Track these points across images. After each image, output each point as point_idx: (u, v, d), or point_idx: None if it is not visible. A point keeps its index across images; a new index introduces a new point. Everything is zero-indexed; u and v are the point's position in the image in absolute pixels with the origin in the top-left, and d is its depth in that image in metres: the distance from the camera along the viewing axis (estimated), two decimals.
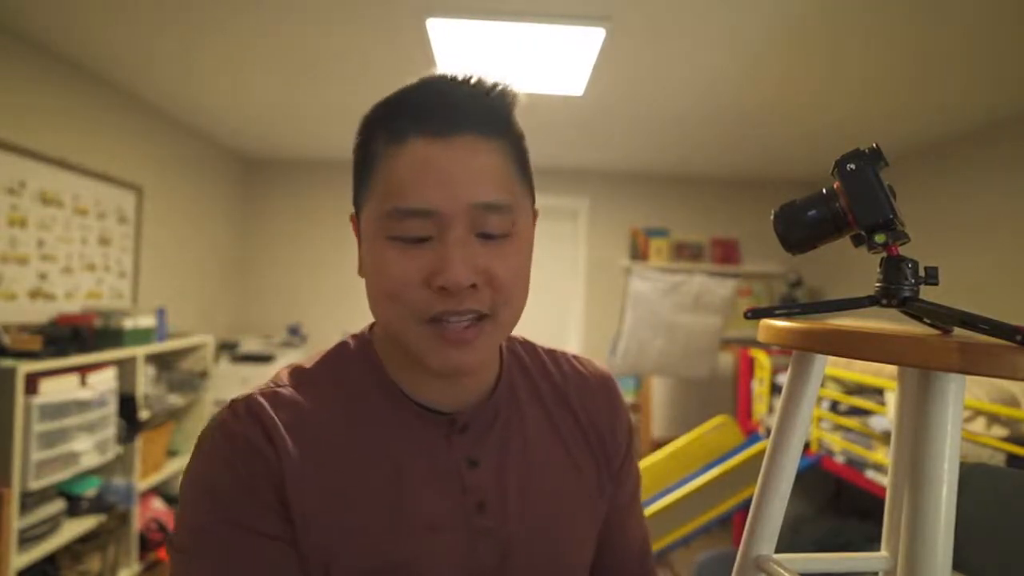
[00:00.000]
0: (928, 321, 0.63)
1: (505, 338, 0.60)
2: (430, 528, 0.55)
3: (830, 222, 0.66)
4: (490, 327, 0.53)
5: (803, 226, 0.68)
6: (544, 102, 2.74)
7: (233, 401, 0.55)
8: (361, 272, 0.57)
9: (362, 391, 0.58)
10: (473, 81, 0.55)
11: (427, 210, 0.50)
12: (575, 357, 0.72)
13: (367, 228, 0.55)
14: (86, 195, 2.55)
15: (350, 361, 0.60)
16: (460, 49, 2.17)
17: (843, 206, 0.65)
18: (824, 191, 0.68)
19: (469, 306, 0.51)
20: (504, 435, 0.61)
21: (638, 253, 4.23)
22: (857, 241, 0.68)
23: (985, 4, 1.76)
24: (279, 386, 0.57)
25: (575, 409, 0.67)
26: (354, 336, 0.64)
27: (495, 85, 0.55)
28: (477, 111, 0.53)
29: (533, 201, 0.63)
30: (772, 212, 0.70)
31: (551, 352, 0.71)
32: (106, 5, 1.96)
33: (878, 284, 0.64)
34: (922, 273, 0.62)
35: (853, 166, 0.64)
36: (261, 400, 0.55)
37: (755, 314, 0.73)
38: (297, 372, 0.59)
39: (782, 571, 0.69)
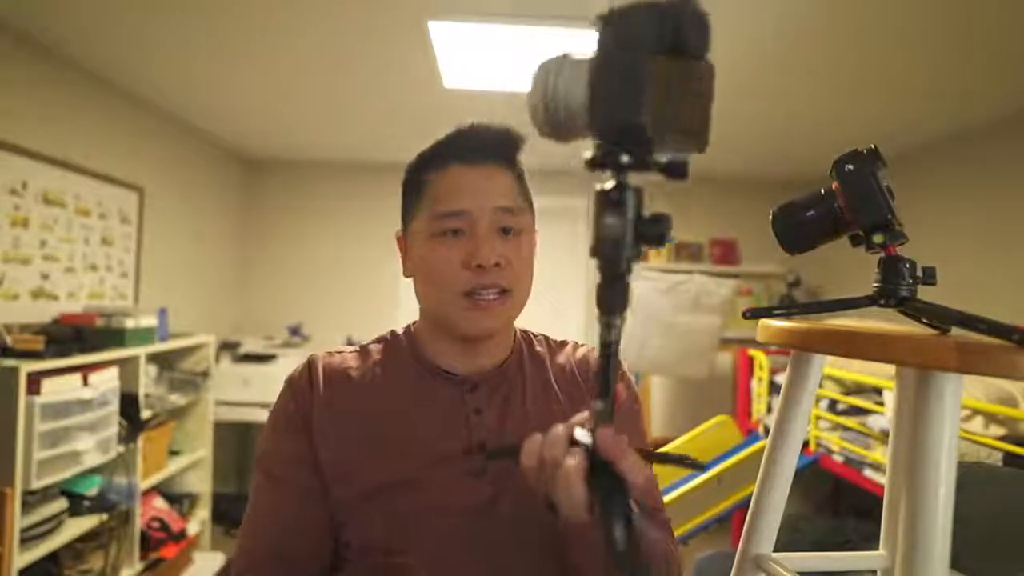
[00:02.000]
0: (926, 321, 0.64)
1: (518, 312, 0.77)
2: (439, 459, 0.71)
3: (828, 222, 0.67)
4: (509, 300, 0.73)
5: (802, 226, 0.68)
6: None
7: (310, 355, 0.79)
8: (407, 273, 0.78)
9: (401, 360, 0.78)
10: (494, 127, 0.74)
11: (461, 211, 0.70)
12: (582, 344, 0.90)
13: (417, 234, 0.74)
14: (88, 196, 2.55)
15: (396, 340, 0.81)
16: (461, 51, 2.18)
17: (841, 206, 0.65)
18: (823, 191, 0.68)
19: (495, 281, 0.70)
20: (508, 394, 0.77)
21: None
22: (855, 241, 0.68)
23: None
24: (338, 351, 0.80)
25: (579, 381, 0.82)
26: (403, 328, 0.83)
27: (508, 130, 0.75)
28: (497, 148, 0.74)
29: (534, 220, 0.80)
30: (771, 212, 0.71)
31: (562, 341, 0.90)
32: (108, 6, 1.97)
33: (876, 284, 0.64)
34: (920, 273, 0.63)
35: (852, 167, 0.64)
36: (317, 357, 0.78)
37: (754, 314, 0.74)
38: (360, 345, 0.81)
39: (781, 570, 0.70)
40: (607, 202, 0.45)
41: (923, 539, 0.52)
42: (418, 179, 0.75)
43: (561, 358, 0.85)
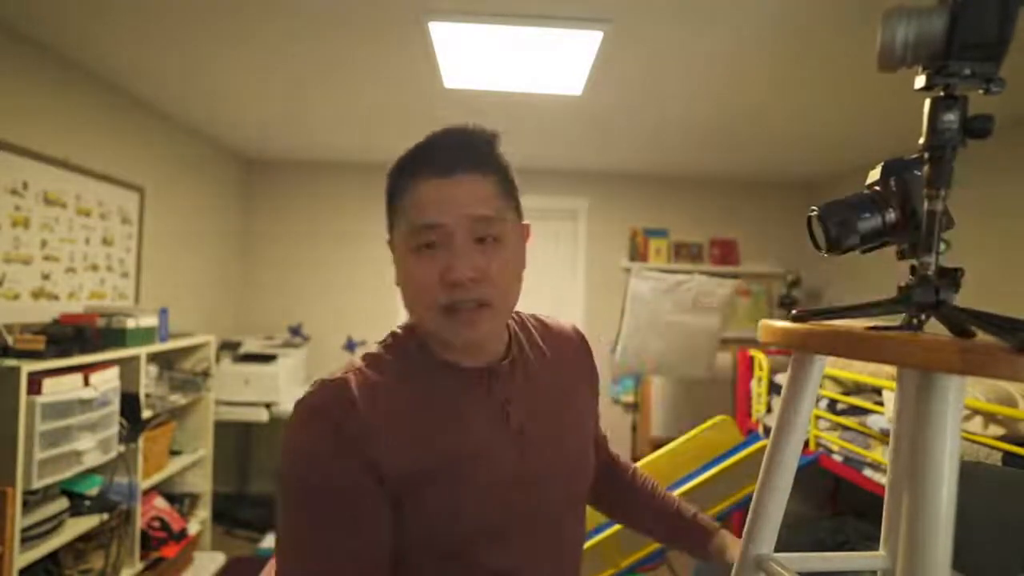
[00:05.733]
0: (953, 325, 0.62)
1: (505, 321, 0.81)
2: (486, 447, 0.75)
3: (881, 232, 0.65)
4: (489, 313, 0.73)
5: (856, 233, 0.65)
6: (543, 102, 2.75)
7: (323, 381, 0.72)
8: (397, 282, 0.77)
9: (420, 365, 0.77)
10: (467, 131, 0.75)
11: (435, 223, 0.70)
12: (552, 318, 0.97)
13: (398, 247, 0.75)
14: (89, 196, 2.55)
15: (407, 345, 0.79)
16: (461, 51, 2.18)
17: (897, 217, 0.64)
18: (877, 197, 0.65)
19: (472, 296, 0.70)
20: (522, 380, 0.82)
21: (637, 253, 4.24)
22: (902, 254, 0.66)
23: None
24: (355, 368, 0.74)
25: (566, 351, 0.92)
26: (402, 328, 0.82)
27: (481, 131, 0.76)
28: (468, 154, 0.73)
29: (520, 217, 0.81)
30: (815, 211, 0.67)
31: (544, 317, 0.96)
32: (108, 7, 1.97)
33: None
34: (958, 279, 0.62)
35: (919, 173, 0.63)
36: (344, 378, 0.72)
37: (802, 316, 0.71)
38: (370, 356, 0.77)
39: (782, 570, 0.70)
40: (942, 106, 0.60)
41: (925, 540, 0.52)
42: (393, 190, 0.76)
43: (557, 331, 0.94)
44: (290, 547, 0.69)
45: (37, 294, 2.28)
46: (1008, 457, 1.66)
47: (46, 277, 2.32)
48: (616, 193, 4.27)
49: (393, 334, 0.82)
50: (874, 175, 0.68)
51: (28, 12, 2.03)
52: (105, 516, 2.18)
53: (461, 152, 0.73)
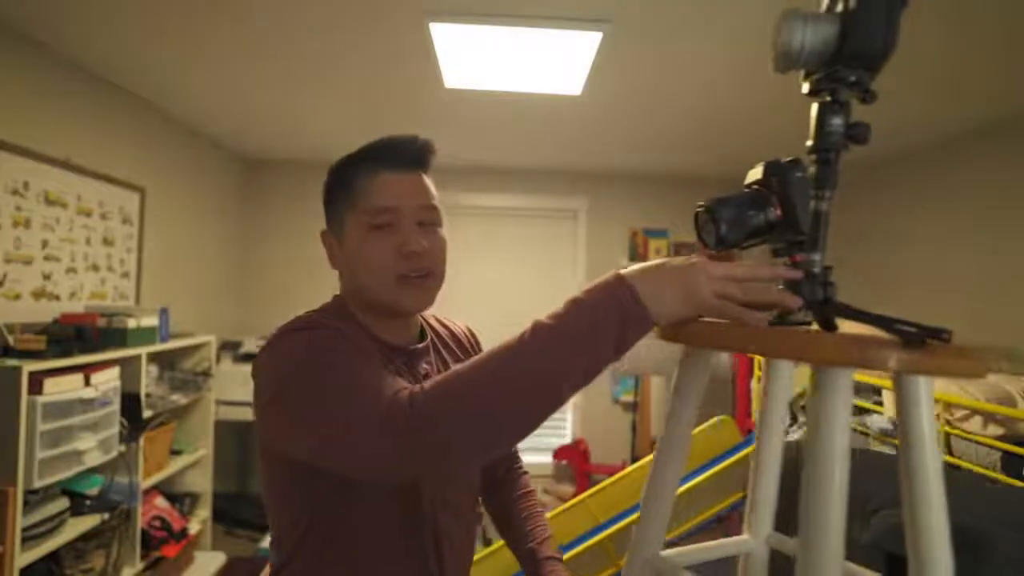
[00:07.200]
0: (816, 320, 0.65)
1: (439, 289, 0.91)
2: None
3: (763, 230, 0.67)
4: (432, 281, 0.88)
5: (746, 230, 0.67)
6: (543, 102, 2.75)
7: (304, 319, 0.83)
8: (335, 265, 0.92)
9: (356, 335, 0.84)
10: (415, 140, 0.89)
11: (392, 207, 0.85)
12: (448, 318, 1.10)
13: (352, 229, 0.86)
14: (89, 196, 2.56)
15: (341, 318, 0.87)
16: (461, 51, 2.19)
17: (778, 215, 0.65)
18: (760, 195, 0.68)
19: (421, 265, 0.85)
20: (438, 363, 0.96)
21: (637, 254, 4.24)
22: (777, 252, 0.68)
23: (970, 5, 1.78)
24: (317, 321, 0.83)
25: (464, 346, 1.06)
26: (332, 304, 0.93)
27: (426, 142, 0.89)
28: (419, 158, 0.89)
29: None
30: (703, 206, 0.70)
31: (441, 317, 1.09)
32: (108, 7, 1.97)
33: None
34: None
35: (800, 174, 0.65)
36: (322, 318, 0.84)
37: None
38: (315, 315, 0.88)
39: (669, 566, 0.72)
40: (829, 110, 0.61)
41: (820, 526, 0.54)
42: (347, 178, 0.88)
43: (454, 328, 1.07)
44: (317, 392, 0.70)
45: (38, 294, 2.29)
46: (1007, 457, 1.66)
47: (47, 277, 2.33)
48: (615, 193, 4.27)
49: (326, 308, 0.92)
50: (755, 174, 0.71)
51: (28, 12, 2.03)
52: (106, 516, 2.18)
53: (417, 154, 0.88)
